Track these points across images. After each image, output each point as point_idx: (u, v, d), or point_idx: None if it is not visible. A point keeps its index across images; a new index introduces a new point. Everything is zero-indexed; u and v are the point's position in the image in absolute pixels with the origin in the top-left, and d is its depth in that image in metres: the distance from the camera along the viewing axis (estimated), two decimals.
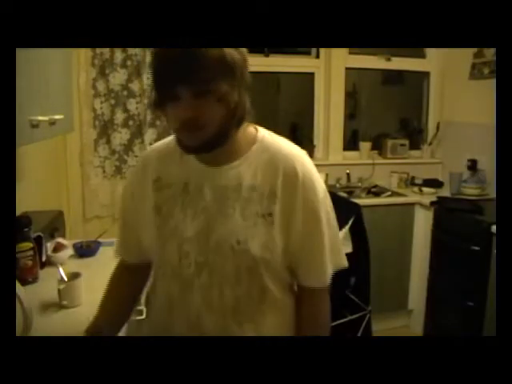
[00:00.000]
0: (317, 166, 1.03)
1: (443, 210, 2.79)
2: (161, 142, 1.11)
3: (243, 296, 0.98)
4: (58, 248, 1.75)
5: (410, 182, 3.40)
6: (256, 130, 1.03)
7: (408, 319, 3.20)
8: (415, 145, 3.68)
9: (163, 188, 1.02)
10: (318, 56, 3.45)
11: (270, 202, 0.96)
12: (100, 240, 1.89)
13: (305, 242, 0.99)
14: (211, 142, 0.91)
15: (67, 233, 2.15)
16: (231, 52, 0.88)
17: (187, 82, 0.86)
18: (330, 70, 3.40)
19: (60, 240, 1.81)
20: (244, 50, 0.93)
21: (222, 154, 0.97)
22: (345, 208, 2.47)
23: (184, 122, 0.89)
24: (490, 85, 2.71)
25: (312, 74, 3.46)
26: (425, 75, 3.67)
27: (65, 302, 1.33)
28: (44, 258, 1.66)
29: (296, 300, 1.07)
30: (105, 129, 3.01)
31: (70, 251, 1.79)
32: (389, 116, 3.83)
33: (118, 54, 2.93)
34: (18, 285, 1.02)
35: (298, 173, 0.97)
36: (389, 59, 3.51)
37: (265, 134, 1.03)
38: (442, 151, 3.60)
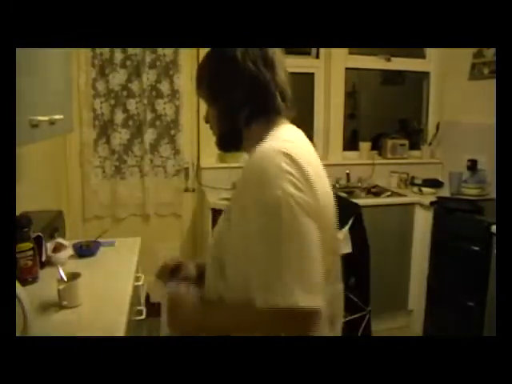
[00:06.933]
0: None
1: (443, 210, 2.79)
2: None
3: None
4: (57, 248, 1.75)
5: (410, 182, 3.40)
6: (278, 127, 0.98)
7: (408, 319, 3.19)
8: (415, 145, 3.68)
9: None
10: (317, 56, 3.45)
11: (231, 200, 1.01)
12: (100, 240, 1.88)
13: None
14: (221, 144, 1.05)
15: (67, 233, 2.15)
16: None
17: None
18: (330, 70, 3.40)
19: (60, 240, 1.80)
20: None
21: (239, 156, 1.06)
22: (344, 208, 2.47)
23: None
24: (490, 85, 2.71)
25: (312, 74, 3.46)
26: (425, 75, 3.67)
27: (65, 302, 1.32)
28: (44, 258, 1.66)
29: None
30: (104, 129, 3.01)
31: (69, 251, 1.78)
32: (388, 116, 3.82)
33: (118, 54, 2.93)
34: (17, 285, 1.02)
35: (250, 169, 0.89)
36: (389, 59, 3.51)
37: (277, 132, 0.97)
38: (441, 151, 3.59)
